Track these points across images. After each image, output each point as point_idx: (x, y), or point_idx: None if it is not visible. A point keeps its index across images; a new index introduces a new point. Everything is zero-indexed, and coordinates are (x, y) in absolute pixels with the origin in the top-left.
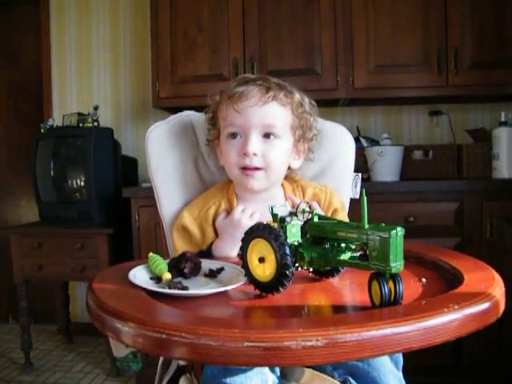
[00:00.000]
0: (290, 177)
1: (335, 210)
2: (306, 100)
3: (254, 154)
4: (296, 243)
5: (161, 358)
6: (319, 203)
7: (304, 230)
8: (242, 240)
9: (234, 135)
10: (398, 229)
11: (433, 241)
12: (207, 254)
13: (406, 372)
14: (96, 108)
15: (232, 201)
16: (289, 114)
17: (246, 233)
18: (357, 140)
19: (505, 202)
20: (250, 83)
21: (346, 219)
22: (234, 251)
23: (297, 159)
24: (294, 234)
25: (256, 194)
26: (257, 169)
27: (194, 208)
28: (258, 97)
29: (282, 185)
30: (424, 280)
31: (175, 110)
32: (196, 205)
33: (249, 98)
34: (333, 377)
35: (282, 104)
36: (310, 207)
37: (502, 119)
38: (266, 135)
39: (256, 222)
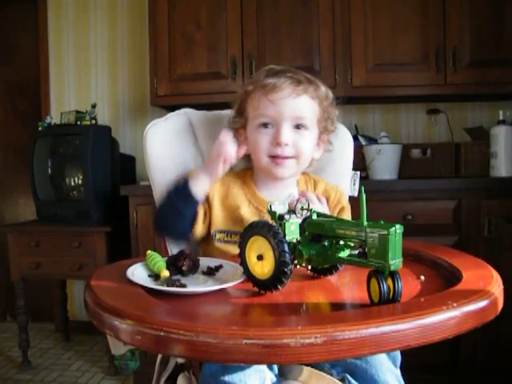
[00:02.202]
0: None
1: (342, 209)
2: (330, 94)
3: (286, 144)
4: (294, 241)
5: (159, 356)
6: (328, 199)
7: (303, 227)
8: (241, 237)
9: (265, 125)
10: (397, 226)
11: (431, 239)
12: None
13: (404, 370)
14: (94, 106)
15: (250, 184)
16: (317, 107)
17: (245, 230)
18: (355, 138)
19: (503, 200)
20: (280, 75)
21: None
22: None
23: (318, 150)
24: (292, 232)
25: (275, 182)
26: (287, 157)
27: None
28: (291, 89)
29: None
30: (423, 278)
31: (173, 108)
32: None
33: (282, 90)
34: (331, 374)
35: (311, 97)
36: (319, 199)
37: (500, 118)
38: (297, 126)
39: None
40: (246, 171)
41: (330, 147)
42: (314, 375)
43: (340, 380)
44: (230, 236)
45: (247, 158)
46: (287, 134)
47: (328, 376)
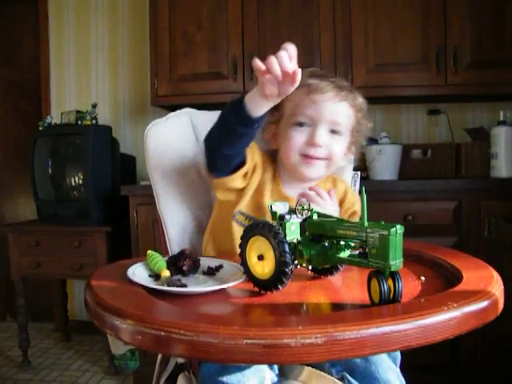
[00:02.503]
0: None
1: (354, 213)
2: (365, 106)
3: (320, 146)
4: (295, 241)
5: (159, 356)
6: (343, 201)
7: (303, 227)
8: (241, 238)
9: (301, 124)
10: (398, 227)
11: (431, 239)
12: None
13: (404, 370)
14: (94, 106)
15: (278, 179)
16: (353, 116)
17: (245, 230)
18: None
19: (503, 200)
20: (323, 78)
21: None
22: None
23: (344, 159)
24: (293, 232)
25: (298, 182)
26: (318, 158)
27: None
28: (334, 93)
29: None
30: (423, 278)
31: (174, 108)
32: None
33: (325, 92)
34: (331, 374)
35: (350, 105)
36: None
37: (501, 118)
38: (332, 131)
39: None
40: (277, 164)
41: (352, 158)
42: (314, 375)
43: (339, 379)
44: (249, 221)
45: (272, 154)
46: (323, 136)
47: (328, 376)
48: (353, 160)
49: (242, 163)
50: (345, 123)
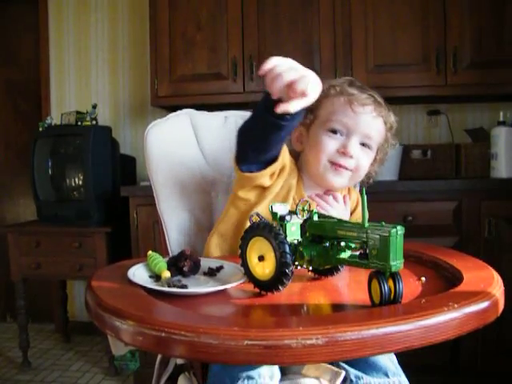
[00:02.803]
0: None
1: None
2: (395, 125)
3: (351, 157)
4: (296, 242)
5: (158, 357)
6: (355, 209)
7: (304, 228)
8: (242, 238)
9: (334, 131)
10: (398, 227)
11: (431, 240)
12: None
13: (404, 370)
14: (94, 106)
15: (300, 185)
16: (383, 133)
17: (246, 231)
18: None
19: (503, 201)
20: (363, 90)
21: None
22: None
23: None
24: (293, 233)
25: (321, 188)
26: (347, 169)
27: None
28: (373, 107)
29: None
30: (424, 279)
31: (174, 109)
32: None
33: (366, 105)
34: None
35: (384, 122)
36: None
37: (501, 119)
38: (363, 144)
39: None
40: (300, 168)
41: (370, 176)
42: (311, 365)
43: (335, 365)
44: None
45: (292, 154)
46: (355, 147)
47: (324, 364)
48: (373, 175)
49: (274, 160)
50: (376, 138)
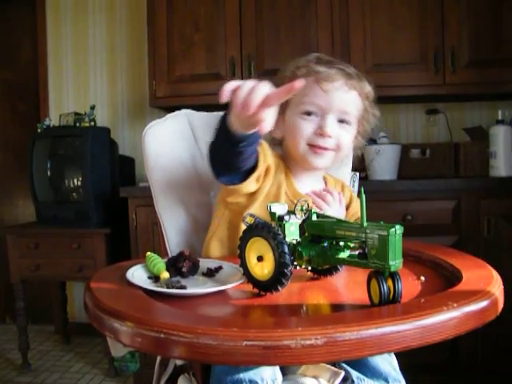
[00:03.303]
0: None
1: (358, 219)
2: (373, 93)
3: (330, 136)
4: (294, 242)
5: (158, 358)
6: (349, 206)
7: (302, 228)
8: (241, 239)
9: (309, 113)
10: (397, 227)
11: (430, 239)
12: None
13: (404, 370)
14: (93, 107)
15: (289, 175)
16: (361, 105)
17: (244, 231)
18: None
19: (502, 200)
20: (331, 65)
21: None
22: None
23: (350, 149)
24: (292, 233)
25: (307, 174)
26: (327, 149)
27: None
28: (344, 81)
29: (325, 177)
30: (423, 278)
31: (172, 110)
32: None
33: (335, 81)
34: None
35: (359, 93)
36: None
37: (499, 117)
38: (340, 120)
39: None
40: (285, 156)
41: (358, 151)
42: (310, 365)
43: (334, 366)
44: None
45: (273, 142)
46: (332, 125)
47: (323, 364)
48: (358, 148)
49: (254, 166)
50: (353, 112)
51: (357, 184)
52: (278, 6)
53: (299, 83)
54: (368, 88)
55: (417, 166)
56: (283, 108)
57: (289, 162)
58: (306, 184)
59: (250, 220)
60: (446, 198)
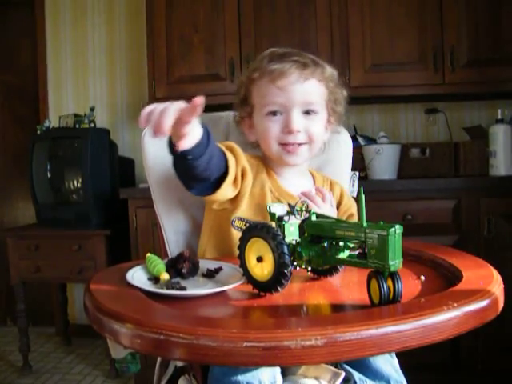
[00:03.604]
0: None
1: (351, 215)
2: (336, 74)
3: (298, 132)
4: (294, 242)
5: (158, 359)
6: (340, 203)
7: (302, 228)
8: (240, 239)
9: (274, 113)
10: (397, 227)
11: (430, 239)
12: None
13: (404, 369)
14: (92, 109)
15: (271, 173)
16: (324, 90)
17: (244, 232)
18: (354, 138)
19: (502, 199)
20: (285, 59)
21: None
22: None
23: (326, 133)
24: (291, 233)
25: (288, 170)
26: (299, 144)
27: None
28: (298, 73)
29: (312, 173)
30: (423, 278)
31: None
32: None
33: (289, 75)
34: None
35: (318, 80)
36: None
37: (499, 116)
38: (307, 112)
39: None
40: (259, 158)
41: (338, 129)
42: (311, 365)
43: (335, 366)
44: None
45: (253, 146)
46: (298, 120)
47: (324, 365)
48: (338, 130)
49: (224, 174)
50: (318, 100)
51: (356, 184)
52: (277, 7)
53: (198, 100)
54: (329, 71)
55: (417, 166)
56: (249, 113)
57: (269, 161)
58: (292, 181)
59: (239, 224)
60: (446, 197)
